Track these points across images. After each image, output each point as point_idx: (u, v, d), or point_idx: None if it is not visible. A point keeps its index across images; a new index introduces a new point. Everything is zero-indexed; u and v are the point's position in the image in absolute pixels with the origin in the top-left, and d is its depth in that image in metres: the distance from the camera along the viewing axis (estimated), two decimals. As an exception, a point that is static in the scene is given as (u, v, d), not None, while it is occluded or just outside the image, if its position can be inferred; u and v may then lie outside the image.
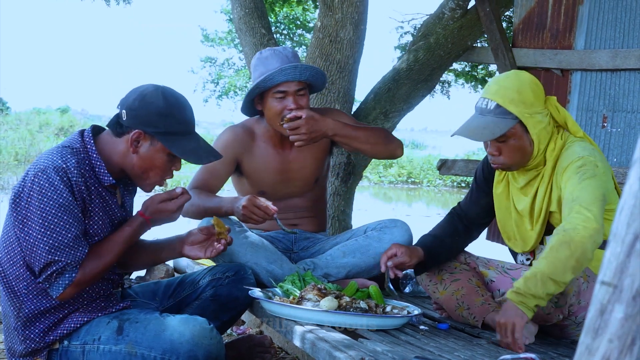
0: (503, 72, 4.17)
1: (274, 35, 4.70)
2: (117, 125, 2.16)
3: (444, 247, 2.53)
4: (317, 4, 5.32)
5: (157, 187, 2.30)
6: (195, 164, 2.23)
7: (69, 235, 2.04)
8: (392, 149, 2.96)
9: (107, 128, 2.22)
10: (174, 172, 2.25)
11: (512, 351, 2.02)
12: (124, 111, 2.14)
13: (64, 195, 2.03)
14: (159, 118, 2.12)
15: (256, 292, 2.38)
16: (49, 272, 2.05)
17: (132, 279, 4.23)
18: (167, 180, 2.28)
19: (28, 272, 2.10)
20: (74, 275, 2.06)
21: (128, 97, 2.16)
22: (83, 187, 2.08)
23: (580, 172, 2.13)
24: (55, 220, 2.02)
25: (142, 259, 2.41)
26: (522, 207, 2.38)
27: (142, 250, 2.38)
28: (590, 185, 2.09)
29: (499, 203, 2.47)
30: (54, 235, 2.03)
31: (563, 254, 1.96)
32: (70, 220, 2.05)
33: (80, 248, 2.07)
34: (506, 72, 2.34)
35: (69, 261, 2.05)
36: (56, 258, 2.03)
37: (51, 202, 2.02)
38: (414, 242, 2.70)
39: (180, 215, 2.85)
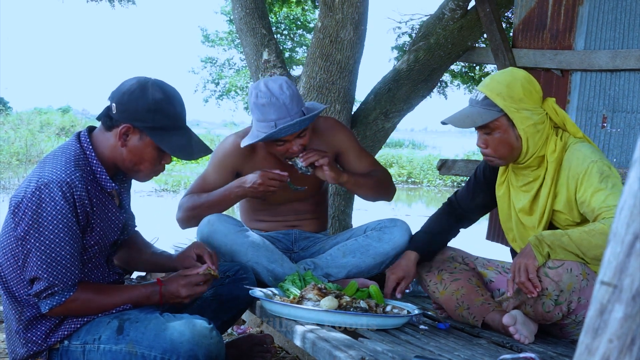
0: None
1: (275, 36, 4.70)
2: (108, 119, 2.14)
3: (433, 245, 2.66)
4: (317, 4, 5.32)
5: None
6: (185, 160, 2.20)
7: (63, 252, 2.02)
8: (386, 197, 3.04)
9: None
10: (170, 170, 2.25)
11: (513, 352, 2.02)
12: (113, 105, 2.12)
13: (64, 212, 2.01)
14: (147, 113, 2.10)
15: (257, 291, 2.39)
16: (39, 289, 2.04)
17: (132, 278, 4.23)
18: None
19: None
20: (64, 298, 2.07)
21: (119, 90, 2.14)
22: (86, 201, 2.06)
23: (604, 181, 2.18)
24: (52, 236, 2.00)
25: (143, 265, 2.49)
26: (521, 205, 2.39)
27: (145, 256, 2.43)
28: (619, 191, 2.16)
29: (501, 205, 2.50)
30: (48, 251, 2.01)
31: (597, 240, 2.08)
32: (67, 238, 2.02)
33: (73, 269, 2.06)
34: (504, 69, 2.39)
35: (57, 282, 2.03)
36: (46, 275, 2.02)
37: (49, 218, 2.00)
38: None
39: (182, 224, 2.90)
